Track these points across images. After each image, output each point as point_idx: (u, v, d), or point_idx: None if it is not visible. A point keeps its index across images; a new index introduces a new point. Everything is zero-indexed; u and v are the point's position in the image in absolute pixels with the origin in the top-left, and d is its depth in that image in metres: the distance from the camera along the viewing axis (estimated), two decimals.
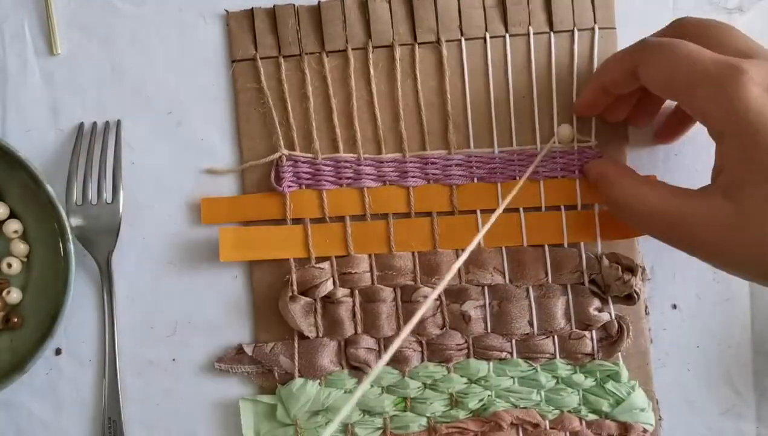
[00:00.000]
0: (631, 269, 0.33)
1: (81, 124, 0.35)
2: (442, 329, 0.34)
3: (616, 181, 0.31)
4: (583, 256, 0.34)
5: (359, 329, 0.34)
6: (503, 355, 0.34)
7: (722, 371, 0.35)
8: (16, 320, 0.34)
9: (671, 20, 0.30)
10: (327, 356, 0.34)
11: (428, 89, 0.35)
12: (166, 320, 0.35)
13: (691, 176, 0.34)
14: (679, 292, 0.35)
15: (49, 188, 0.33)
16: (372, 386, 0.34)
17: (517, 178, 0.34)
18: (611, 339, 0.34)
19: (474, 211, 0.34)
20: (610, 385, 0.33)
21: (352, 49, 0.34)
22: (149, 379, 0.35)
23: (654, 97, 0.32)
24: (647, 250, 0.35)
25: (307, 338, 0.34)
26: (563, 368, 0.34)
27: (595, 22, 0.34)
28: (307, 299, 0.34)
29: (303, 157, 0.34)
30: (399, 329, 0.34)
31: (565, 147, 0.34)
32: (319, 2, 0.34)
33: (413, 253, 0.34)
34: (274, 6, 0.34)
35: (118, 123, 0.35)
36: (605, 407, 0.33)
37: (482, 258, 0.34)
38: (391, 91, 0.35)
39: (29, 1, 0.35)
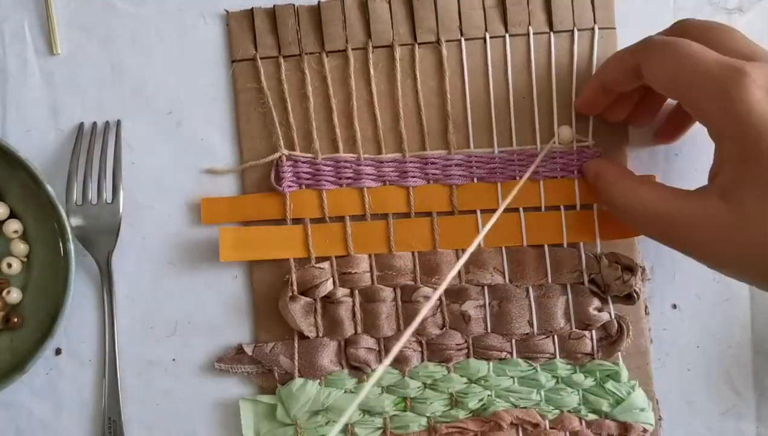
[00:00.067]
0: (631, 268, 0.33)
1: (81, 124, 0.35)
2: (442, 329, 0.34)
3: (614, 182, 0.31)
4: (583, 256, 0.34)
5: (359, 329, 0.34)
6: (503, 355, 0.34)
7: (722, 371, 0.35)
8: (16, 320, 0.34)
9: (672, 20, 0.30)
10: (327, 356, 0.34)
11: (428, 89, 0.35)
12: (166, 320, 0.35)
13: (691, 176, 0.34)
14: (679, 292, 0.35)
15: (49, 188, 0.33)
16: (372, 386, 0.34)
17: (517, 178, 0.34)
18: (611, 339, 0.34)
19: (474, 212, 0.34)
20: (610, 385, 0.33)
21: (352, 49, 0.34)
22: (149, 379, 0.35)
23: (655, 97, 0.32)
24: (647, 250, 0.35)
25: (307, 338, 0.34)
26: (563, 368, 0.34)
27: (595, 23, 0.34)
28: (307, 299, 0.34)
29: (303, 157, 0.34)
30: (399, 329, 0.34)
31: (564, 147, 0.34)
32: (319, 2, 0.34)
33: (413, 253, 0.34)
34: (274, 6, 0.34)
35: (118, 123, 0.35)
36: (605, 406, 0.33)
37: (482, 258, 0.34)
38: (391, 91, 0.35)
39: (29, 1, 0.35)
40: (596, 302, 0.34)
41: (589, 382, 0.34)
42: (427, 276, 0.34)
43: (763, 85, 0.25)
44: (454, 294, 0.34)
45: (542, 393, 0.34)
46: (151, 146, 0.35)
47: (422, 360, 0.34)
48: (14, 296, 0.34)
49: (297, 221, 0.34)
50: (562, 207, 0.34)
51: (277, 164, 0.34)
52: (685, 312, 0.35)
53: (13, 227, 0.34)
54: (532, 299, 0.34)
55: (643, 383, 0.34)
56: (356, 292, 0.34)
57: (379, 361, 0.34)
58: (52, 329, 0.32)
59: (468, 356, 0.34)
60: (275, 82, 0.35)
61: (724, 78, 0.25)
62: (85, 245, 0.34)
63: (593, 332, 0.34)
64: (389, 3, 0.34)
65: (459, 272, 0.34)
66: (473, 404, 0.34)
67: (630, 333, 0.33)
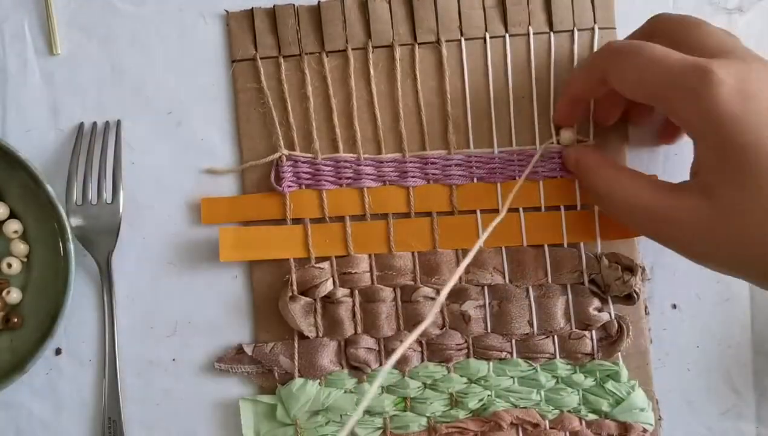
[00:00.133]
0: (631, 268, 0.33)
1: (81, 124, 0.35)
2: (442, 329, 0.34)
3: (596, 169, 0.31)
4: (583, 256, 0.34)
5: (359, 329, 0.34)
6: (503, 355, 0.34)
7: (722, 371, 0.35)
8: (16, 320, 0.34)
9: None
10: (327, 356, 0.34)
11: (428, 89, 0.35)
12: (166, 320, 0.35)
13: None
14: (679, 292, 0.35)
15: (49, 188, 0.33)
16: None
17: (517, 178, 0.34)
18: (611, 339, 0.34)
19: (474, 212, 0.34)
20: (609, 385, 0.33)
21: (352, 49, 0.34)
22: (149, 379, 0.35)
23: None
24: (647, 250, 0.35)
25: (307, 338, 0.34)
26: (563, 368, 0.34)
27: (595, 22, 0.34)
28: (307, 299, 0.34)
29: (303, 157, 0.34)
30: (399, 329, 0.34)
31: (564, 147, 0.34)
32: (319, 2, 0.34)
33: (413, 253, 0.34)
34: (274, 6, 0.34)
35: (118, 123, 0.35)
36: (605, 406, 0.33)
37: (482, 258, 0.34)
38: (391, 91, 0.35)
39: (29, 1, 0.35)
40: (596, 302, 0.34)
41: (589, 382, 0.34)
42: (427, 276, 0.34)
43: (730, 83, 0.25)
44: (454, 294, 0.34)
45: (542, 393, 0.34)
46: (151, 146, 0.35)
47: (422, 360, 0.34)
48: (14, 296, 0.34)
49: (297, 221, 0.34)
50: (562, 207, 0.34)
51: (277, 164, 0.34)
52: (685, 312, 0.35)
53: (13, 227, 0.34)
54: (532, 299, 0.34)
55: (643, 383, 0.34)
56: (356, 292, 0.34)
57: (379, 361, 0.34)
58: (52, 329, 0.32)
59: (468, 356, 0.34)
60: (275, 82, 0.35)
61: (689, 79, 0.25)
62: (85, 245, 0.34)
63: (593, 332, 0.34)
64: (389, 3, 0.34)
65: None
66: (473, 404, 0.34)
67: (630, 333, 0.33)
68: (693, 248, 0.28)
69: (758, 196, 0.25)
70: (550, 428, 0.34)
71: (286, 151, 0.34)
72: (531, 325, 0.34)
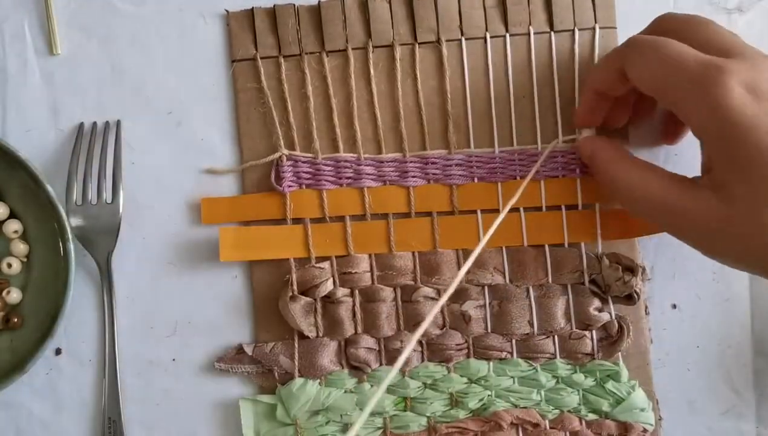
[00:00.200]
0: (632, 269, 0.33)
1: (81, 124, 0.35)
2: (442, 329, 0.34)
3: (617, 161, 0.31)
4: (584, 256, 0.34)
5: (359, 329, 0.34)
6: (503, 355, 0.34)
7: (722, 371, 0.35)
8: (16, 320, 0.34)
9: None
10: (327, 356, 0.34)
11: (428, 89, 0.34)
12: (166, 320, 0.35)
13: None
14: (679, 292, 0.35)
15: (49, 188, 0.32)
16: (371, 385, 0.34)
17: (518, 178, 0.34)
18: (611, 339, 0.34)
19: (474, 211, 0.34)
20: (610, 385, 0.33)
21: (352, 48, 0.34)
22: (149, 379, 0.35)
23: (646, 98, 0.32)
24: (647, 250, 0.35)
25: (307, 337, 0.34)
26: (563, 368, 0.34)
27: (595, 22, 0.34)
28: (307, 299, 0.34)
29: (303, 157, 0.34)
30: (399, 328, 0.34)
31: (565, 147, 0.34)
32: (319, 2, 0.34)
33: (413, 253, 0.34)
34: (274, 6, 0.34)
35: (118, 123, 0.35)
36: (605, 406, 0.33)
37: (482, 258, 0.34)
38: (391, 91, 0.35)
39: (29, 1, 0.35)
40: (596, 302, 0.34)
41: (589, 382, 0.34)
42: (428, 276, 0.34)
43: (743, 83, 0.25)
44: (455, 294, 0.34)
45: (542, 393, 0.34)
46: (151, 146, 0.35)
47: (422, 360, 0.34)
48: (14, 296, 0.34)
49: (297, 220, 0.34)
50: (563, 207, 0.34)
51: (277, 164, 0.34)
52: (685, 312, 0.35)
53: (13, 227, 0.34)
54: (532, 299, 0.34)
55: (643, 383, 0.34)
56: (356, 292, 0.34)
57: (380, 361, 0.34)
58: (52, 329, 0.32)
59: (468, 356, 0.34)
60: (275, 82, 0.34)
61: (703, 77, 0.26)
62: (85, 245, 0.34)
63: (593, 332, 0.34)
64: (389, 3, 0.34)
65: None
66: (473, 404, 0.34)
67: (630, 333, 0.33)
68: (708, 243, 0.28)
69: None
70: (550, 428, 0.34)
71: (286, 151, 0.34)
72: (531, 325, 0.34)
